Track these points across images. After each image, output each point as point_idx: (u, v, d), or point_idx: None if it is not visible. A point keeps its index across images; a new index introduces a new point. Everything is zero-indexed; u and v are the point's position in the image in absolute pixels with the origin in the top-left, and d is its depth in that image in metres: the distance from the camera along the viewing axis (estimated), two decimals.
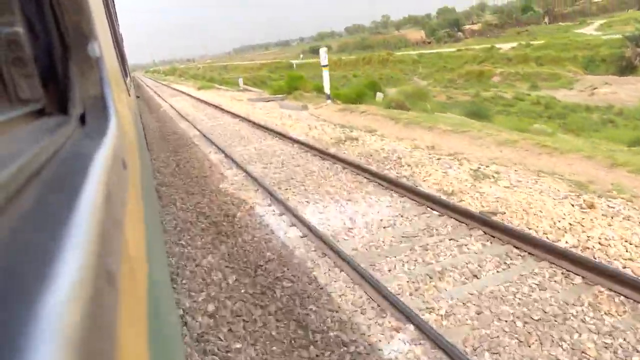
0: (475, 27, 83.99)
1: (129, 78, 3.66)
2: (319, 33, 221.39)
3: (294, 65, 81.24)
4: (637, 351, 2.89)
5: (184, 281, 4.33)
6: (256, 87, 29.39)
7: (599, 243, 4.17)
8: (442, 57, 48.95)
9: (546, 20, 79.01)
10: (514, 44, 44.50)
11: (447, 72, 40.16)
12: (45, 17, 0.57)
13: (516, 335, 3.13)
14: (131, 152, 0.84)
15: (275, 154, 9.00)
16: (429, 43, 79.45)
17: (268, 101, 18.12)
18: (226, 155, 9.32)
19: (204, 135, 12.10)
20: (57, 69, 0.58)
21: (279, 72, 74.35)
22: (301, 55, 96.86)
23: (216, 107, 18.23)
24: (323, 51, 13.86)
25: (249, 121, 13.21)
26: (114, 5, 3.56)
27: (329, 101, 14.19)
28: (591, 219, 4.67)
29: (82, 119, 0.60)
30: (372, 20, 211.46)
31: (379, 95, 15.54)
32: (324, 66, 13.87)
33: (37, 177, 0.36)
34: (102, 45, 0.70)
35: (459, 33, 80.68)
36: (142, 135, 2.74)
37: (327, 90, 14.21)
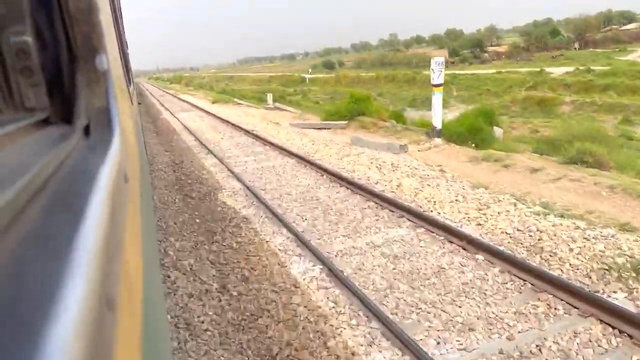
0: (501, 49, 79.86)
1: (132, 86, 3.30)
2: (325, 49, 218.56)
3: (307, 80, 77.06)
4: None
5: None
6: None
7: None
8: (480, 79, 44.03)
9: (576, 45, 75.04)
10: (569, 69, 39.16)
11: (492, 97, 35.20)
12: (55, 28, 0.57)
13: None
14: (132, 164, 0.81)
15: (449, 283, 3.96)
16: (453, 63, 75.52)
17: (321, 129, 13.15)
18: (330, 272, 4.30)
19: (253, 194, 7.05)
20: (63, 79, 0.58)
21: (291, 85, 69.90)
22: (310, 70, 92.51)
23: (249, 133, 13.20)
24: (438, 63, 8.83)
25: (319, 168, 8.15)
26: (121, 12, 3.48)
27: (438, 140, 9.19)
28: None
29: (86, 130, 0.59)
30: (379, 38, 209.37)
31: (498, 131, 10.55)
32: (436, 86, 8.88)
33: (41, 192, 0.36)
34: (110, 57, 0.68)
35: (485, 54, 76.40)
36: (142, 143, 2.49)
37: (438, 123, 9.18)
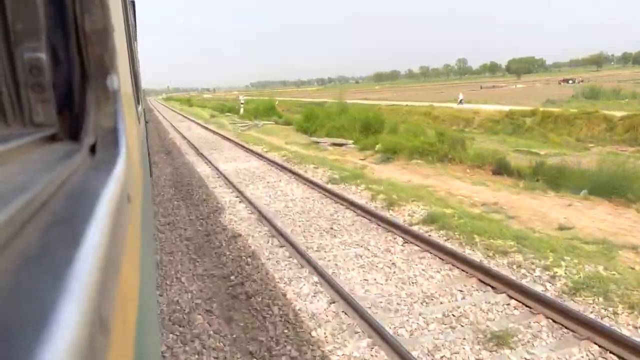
0: None
1: (141, 106, 3.34)
2: (376, 73, 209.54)
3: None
4: None
5: None
6: None
7: None
8: None
9: None
10: None
11: None
12: (70, 47, 0.58)
13: None
14: (136, 185, 0.82)
15: None
16: None
17: None
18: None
19: None
20: (74, 97, 0.59)
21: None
22: (461, 97, 49.75)
23: None
24: None
25: None
26: (136, 31, 3.59)
27: None
28: None
29: (93, 149, 0.59)
30: (444, 64, 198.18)
31: None
32: None
33: (43, 209, 0.36)
34: (121, 77, 0.69)
35: None
36: (147, 163, 2.57)
37: None
